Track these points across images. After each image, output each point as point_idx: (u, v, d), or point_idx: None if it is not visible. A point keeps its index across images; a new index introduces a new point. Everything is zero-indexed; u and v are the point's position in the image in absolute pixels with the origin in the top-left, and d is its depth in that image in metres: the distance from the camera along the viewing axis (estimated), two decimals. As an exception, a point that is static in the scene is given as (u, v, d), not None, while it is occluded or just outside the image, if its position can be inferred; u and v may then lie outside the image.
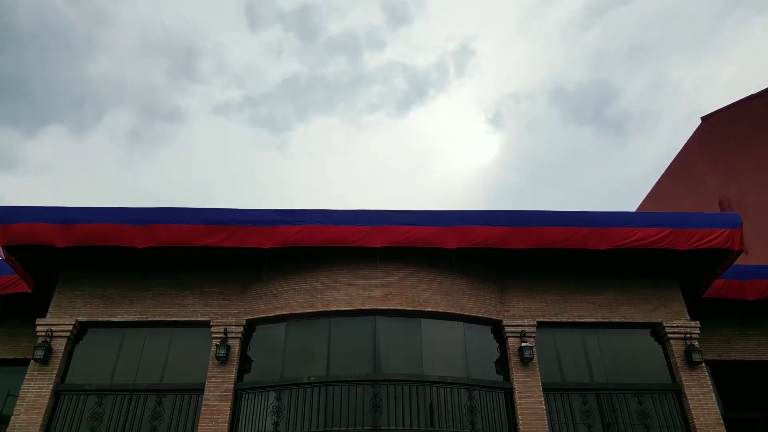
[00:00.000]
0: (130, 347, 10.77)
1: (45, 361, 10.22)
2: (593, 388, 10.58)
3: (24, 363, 11.66)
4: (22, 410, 9.84)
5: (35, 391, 10.02)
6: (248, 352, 10.80)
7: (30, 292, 11.73)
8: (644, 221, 11.09)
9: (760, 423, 12.30)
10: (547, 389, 10.45)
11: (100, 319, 10.80)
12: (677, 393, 10.56)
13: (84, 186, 60.01)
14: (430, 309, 10.68)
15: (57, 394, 10.16)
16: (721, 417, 10.24)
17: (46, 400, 9.96)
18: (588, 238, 10.90)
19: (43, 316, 11.01)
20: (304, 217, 10.94)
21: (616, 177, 64.97)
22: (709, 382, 10.58)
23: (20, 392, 10.04)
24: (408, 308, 10.63)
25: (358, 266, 10.99)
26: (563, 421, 10.26)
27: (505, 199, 68.03)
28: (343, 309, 10.59)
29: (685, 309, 11.36)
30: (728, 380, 12.30)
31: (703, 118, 21.70)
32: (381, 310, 10.58)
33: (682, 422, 10.28)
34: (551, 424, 10.10)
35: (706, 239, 10.97)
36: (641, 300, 11.38)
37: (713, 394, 10.46)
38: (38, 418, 9.78)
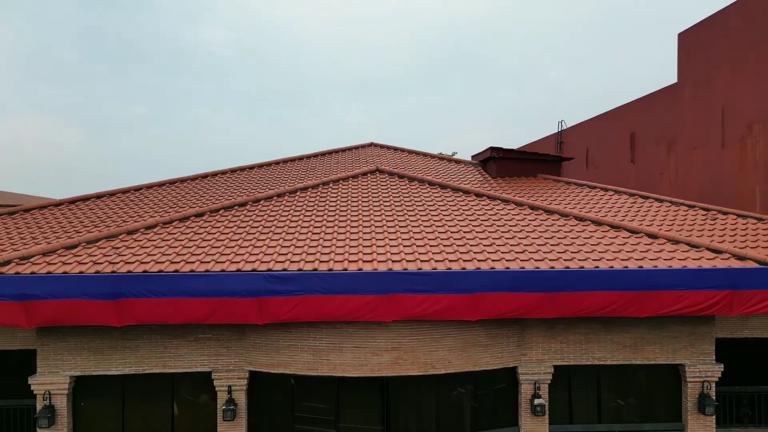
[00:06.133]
0: (133, 396, 10.53)
1: (51, 424, 10.12)
2: (599, 431, 10.77)
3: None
4: (45, 469, 10.19)
5: (51, 451, 10.19)
6: (255, 400, 10.58)
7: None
8: (696, 282, 9.57)
9: (747, 396, 12.96)
10: (554, 432, 10.65)
11: (95, 373, 10.24)
12: (680, 433, 10.82)
13: None
14: (443, 371, 10.07)
15: (73, 450, 10.40)
16: (715, 458, 10.72)
17: (64, 459, 10.24)
18: (628, 305, 9.60)
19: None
20: (300, 285, 9.37)
21: None
22: (714, 429, 10.69)
23: (37, 452, 10.25)
24: (419, 374, 10.00)
25: (366, 325, 9.89)
26: (565, 465, 10.78)
27: None
28: (351, 376, 9.97)
29: (713, 348, 10.69)
30: (731, 356, 12.38)
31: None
32: (391, 377, 10.00)
33: (678, 463, 10.82)
34: (553, 468, 10.63)
35: (765, 303, 9.65)
36: (670, 338, 10.59)
37: (714, 438, 10.72)
38: (62, 476, 10.23)
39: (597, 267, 9.78)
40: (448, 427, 10.52)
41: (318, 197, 13.72)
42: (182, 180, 17.97)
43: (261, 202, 13.28)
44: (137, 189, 16.98)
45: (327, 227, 11.67)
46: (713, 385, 10.65)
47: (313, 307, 9.38)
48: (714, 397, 10.55)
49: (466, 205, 13.17)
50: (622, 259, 10.14)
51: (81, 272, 9.53)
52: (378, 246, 10.61)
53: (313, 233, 11.34)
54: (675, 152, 22.55)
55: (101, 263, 9.89)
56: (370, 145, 23.44)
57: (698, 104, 21.03)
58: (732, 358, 12.22)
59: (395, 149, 22.82)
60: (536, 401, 10.31)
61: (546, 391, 10.51)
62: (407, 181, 15.12)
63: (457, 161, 20.82)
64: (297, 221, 11.98)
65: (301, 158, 21.07)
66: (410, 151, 22.33)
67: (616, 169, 27.50)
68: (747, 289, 9.57)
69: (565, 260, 10.08)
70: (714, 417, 10.64)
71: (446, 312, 9.49)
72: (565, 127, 35.44)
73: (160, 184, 17.53)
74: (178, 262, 9.93)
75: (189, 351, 10.34)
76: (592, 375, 10.86)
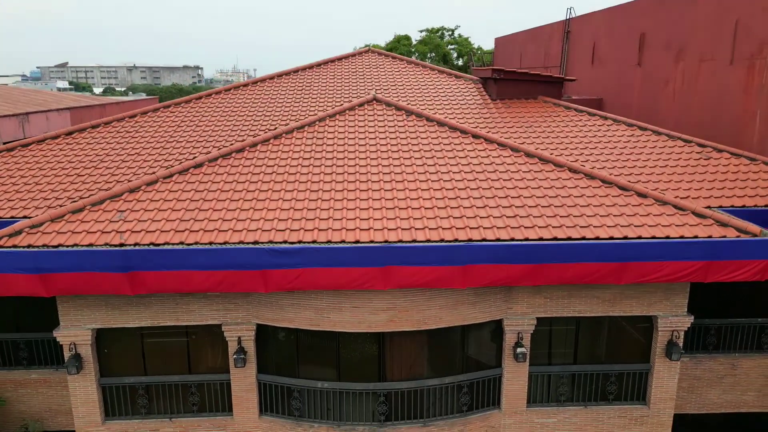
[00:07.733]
0: (153, 344, 11.53)
1: (80, 370, 11.19)
2: (573, 370, 11.94)
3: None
4: (79, 404, 11.48)
5: (82, 390, 11.39)
6: (264, 346, 11.58)
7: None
8: (675, 252, 10.10)
9: (715, 327, 14.11)
10: (533, 371, 11.81)
11: (115, 326, 11.12)
12: (646, 373, 11.96)
13: None
14: (434, 326, 10.96)
15: (102, 388, 11.58)
16: (674, 394, 11.98)
17: (95, 395, 11.45)
18: (609, 274, 10.22)
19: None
20: (301, 259, 9.89)
21: None
22: (678, 370, 11.82)
23: (70, 390, 11.44)
24: (413, 329, 10.90)
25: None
26: (540, 399, 12.08)
27: None
28: (350, 332, 10.87)
29: (686, 302, 11.47)
30: (702, 291, 13.29)
31: None
32: (386, 333, 10.92)
33: (642, 397, 12.10)
34: (530, 402, 11.94)
35: (738, 272, 10.31)
36: (647, 293, 11.34)
37: (676, 377, 11.88)
38: (96, 409, 11.51)
39: (583, 237, 10.23)
40: (440, 369, 11.68)
41: (315, 140, 13.74)
42: (176, 103, 17.72)
43: (258, 146, 13.35)
44: (132, 116, 16.82)
45: (324, 182, 11.90)
46: (682, 334, 11.62)
47: (313, 278, 9.98)
48: (681, 344, 11.57)
49: (462, 150, 13.25)
50: (608, 226, 10.54)
51: (91, 244, 9.99)
52: (374, 209, 10.95)
53: (311, 191, 11.62)
54: (683, 62, 21.81)
55: (109, 232, 10.30)
56: (368, 51, 22.63)
57: (713, 13, 19.96)
58: (703, 292, 13.13)
59: (393, 58, 22.09)
60: (518, 350, 11.32)
61: (528, 340, 11.49)
62: (404, 116, 15.00)
63: (458, 76, 20.25)
64: (294, 174, 12.17)
65: (296, 71, 20.48)
66: (409, 61, 21.63)
67: (622, 71, 26.68)
68: (720, 260, 10.11)
69: (553, 227, 10.48)
70: (678, 362, 11.75)
71: (438, 281, 10.12)
72: (573, 15, 33.66)
73: (155, 109, 17.32)
74: (183, 231, 10.35)
75: (200, 307, 11.13)
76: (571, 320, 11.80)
